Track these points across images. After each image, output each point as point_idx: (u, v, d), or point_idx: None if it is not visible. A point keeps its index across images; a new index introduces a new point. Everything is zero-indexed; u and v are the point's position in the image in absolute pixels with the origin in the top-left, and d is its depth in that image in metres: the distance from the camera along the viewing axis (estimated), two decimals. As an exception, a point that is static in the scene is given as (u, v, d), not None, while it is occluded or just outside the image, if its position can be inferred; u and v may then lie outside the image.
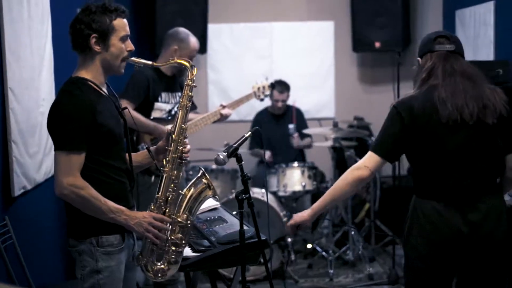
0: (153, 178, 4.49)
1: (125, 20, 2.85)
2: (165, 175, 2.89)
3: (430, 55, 2.99)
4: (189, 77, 2.96)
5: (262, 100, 5.41)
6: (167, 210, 2.87)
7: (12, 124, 3.56)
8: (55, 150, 2.73)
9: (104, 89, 2.87)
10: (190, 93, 2.95)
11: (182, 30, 4.74)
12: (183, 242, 2.88)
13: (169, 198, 2.88)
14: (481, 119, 2.85)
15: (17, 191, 3.63)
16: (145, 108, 4.57)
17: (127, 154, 2.95)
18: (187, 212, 2.90)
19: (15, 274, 3.47)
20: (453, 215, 2.86)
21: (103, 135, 2.76)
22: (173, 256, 2.86)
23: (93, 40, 2.76)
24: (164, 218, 2.83)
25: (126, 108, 2.99)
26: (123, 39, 2.83)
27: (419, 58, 3.05)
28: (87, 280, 2.78)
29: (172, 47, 4.65)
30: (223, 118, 4.92)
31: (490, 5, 5.40)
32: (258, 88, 5.27)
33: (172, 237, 2.85)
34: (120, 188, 2.88)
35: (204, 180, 2.97)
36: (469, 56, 5.84)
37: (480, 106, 2.86)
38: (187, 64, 2.99)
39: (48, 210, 4.19)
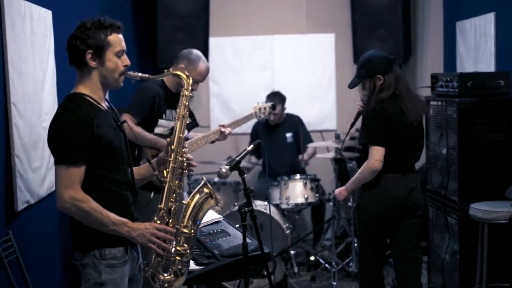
0: (152, 194, 4.49)
1: (120, 36, 2.87)
2: (166, 185, 2.89)
3: (392, 74, 4.12)
4: (185, 87, 2.98)
5: (261, 119, 5.43)
6: (170, 221, 2.87)
7: (15, 139, 3.57)
8: (55, 164, 2.73)
9: (103, 104, 2.89)
10: (186, 103, 2.97)
11: (196, 52, 4.72)
12: (188, 252, 2.88)
13: (172, 209, 2.88)
14: (419, 121, 4.18)
15: (21, 206, 3.64)
16: (149, 124, 4.57)
17: (129, 167, 2.96)
18: (190, 222, 2.89)
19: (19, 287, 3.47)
20: (406, 181, 4.14)
21: (103, 148, 2.77)
22: (180, 267, 2.86)
23: (88, 56, 2.79)
24: (167, 229, 2.82)
25: (125, 121, 3.01)
26: (118, 54, 2.85)
27: (380, 75, 4.11)
28: None
29: (180, 65, 4.66)
30: (222, 137, 4.93)
31: (491, 16, 5.41)
32: (259, 109, 5.28)
33: (177, 248, 2.85)
34: (122, 201, 2.88)
35: (206, 190, 2.97)
36: (470, 67, 5.85)
37: (419, 112, 4.17)
38: (182, 74, 3.00)
39: (52, 224, 4.19)
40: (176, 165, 2.92)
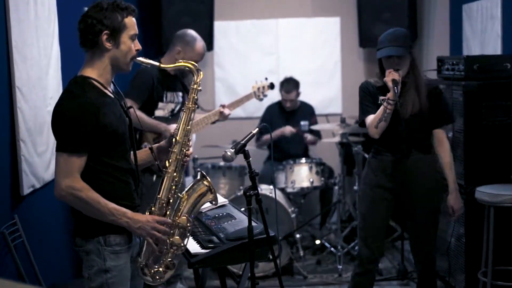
0: (154, 177, 4.49)
1: (134, 19, 2.84)
2: (167, 176, 2.87)
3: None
4: (195, 80, 2.96)
5: (261, 100, 5.41)
6: (167, 212, 2.86)
7: (20, 123, 3.57)
8: (56, 151, 2.70)
9: (110, 88, 2.86)
10: (195, 96, 2.95)
11: (190, 32, 4.72)
12: (183, 245, 2.87)
13: (171, 200, 2.87)
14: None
15: (26, 190, 3.65)
16: (149, 107, 4.57)
17: (131, 154, 2.94)
18: (186, 215, 2.88)
19: (25, 272, 3.48)
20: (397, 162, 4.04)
21: (108, 136, 2.73)
22: (170, 259, 2.85)
23: (104, 37, 2.74)
24: (166, 221, 2.81)
25: (131, 107, 2.98)
26: (132, 38, 2.82)
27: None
28: (95, 280, 2.77)
29: (177, 48, 4.66)
30: (222, 117, 4.92)
31: (497, -1, 5.38)
32: (258, 88, 5.28)
33: (171, 240, 2.84)
34: (126, 188, 2.86)
35: (205, 183, 2.96)
36: (476, 50, 5.82)
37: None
38: (192, 67, 2.98)
39: (57, 208, 4.21)
40: (180, 157, 2.90)
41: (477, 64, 4.57)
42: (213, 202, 3.03)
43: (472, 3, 5.97)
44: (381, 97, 3.91)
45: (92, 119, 2.67)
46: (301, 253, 5.80)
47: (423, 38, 7.16)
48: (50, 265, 3.99)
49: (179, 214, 2.87)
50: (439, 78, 4.99)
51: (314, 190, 6.20)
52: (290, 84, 6.45)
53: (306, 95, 6.82)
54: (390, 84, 3.81)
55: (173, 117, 4.70)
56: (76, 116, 2.66)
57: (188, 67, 2.98)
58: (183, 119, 2.94)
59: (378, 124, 3.88)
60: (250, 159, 3.20)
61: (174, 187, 2.88)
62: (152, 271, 2.83)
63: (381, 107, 3.88)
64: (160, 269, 2.83)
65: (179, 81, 4.79)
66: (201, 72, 3.00)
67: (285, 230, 5.48)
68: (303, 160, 6.00)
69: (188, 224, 2.87)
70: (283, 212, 5.45)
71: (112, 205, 2.71)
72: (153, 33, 6.72)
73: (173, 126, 4.62)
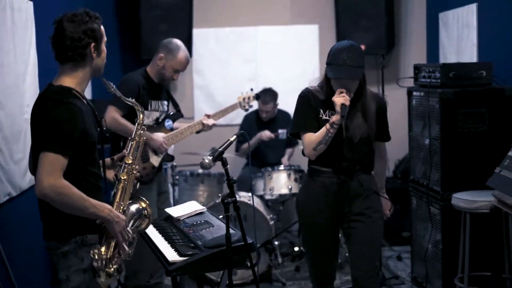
0: (138, 185, 4.48)
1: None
2: (122, 184, 2.97)
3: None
4: (139, 120, 3.15)
5: (246, 110, 5.43)
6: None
7: (-3, 131, 3.55)
8: (42, 151, 2.70)
9: (85, 98, 2.94)
10: (141, 131, 3.15)
11: (176, 41, 4.73)
12: (130, 253, 2.95)
13: (126, 209, 2.98)
14: None
15: (2, 198, 3.62)
16: (134, 115, 4.56)
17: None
18: (133, 227, 2.99)
19: (1, 281, 3.45)
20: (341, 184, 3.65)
21: (88, 143, 2.82)
22: (120, 264, 2.91)
23: (92, 48, 2.84)
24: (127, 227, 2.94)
25: (103, 117, 3.06)
26: (105, 44, 2.95)
27: None
28: (74, 279, 2.80)
29: (159, 55, 4.66)
30: (206, 128, 4.93)
31: (473, 8, 5.44)
32: (244, 99, 5.29)
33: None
34: (99, 193, 2.92)
35: (143, 204, 3.07)
36: (452, 58, 5.88)
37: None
38: (138, 108, 3.18)
39: (34, 216, 4.16)
40: (129, 178, 3.01)
41: (453, 72, 4.62)
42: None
43: (449, 11, 6.04)
44: (324, 117, 3.63)
45: (80, 124, 2.74)
46: (280, 260, 5.81)
47: (400, 46, 7.21)
48: (27, 273, 3.96)
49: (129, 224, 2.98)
50: (416, 85, 5.03)
51: (293, 197, 6.20)
52: (267, 96, 6.45)
53: (285, 102, 6.82)
54: (338, 108, 3.45)
55: (158, 125, 4.73)
56: (68, 119, 2.72)
57: (135, 105, 3.18)
58: (134, 147, 3.09)
59: (317, 147, 3.55)
60: (228, 166, 3.22)
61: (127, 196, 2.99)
62: (106, 272, 2.83)
63: (323, 129, 3.53)
64: (112, 270, 2.85)
65: (164, 90, 4.80)
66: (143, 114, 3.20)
67: (263, 237, 5.48)
68: (282, 167, 6.01)
69: (135, 236, 2.99)
70: (261, 219, 5.46)
71: (93, 200, 2.77)
72: (132, 40, 6.70)
73: (158, 135, 4.62)
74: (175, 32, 6.30)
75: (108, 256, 2.83)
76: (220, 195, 5.71)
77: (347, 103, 3.45)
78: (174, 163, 5.85)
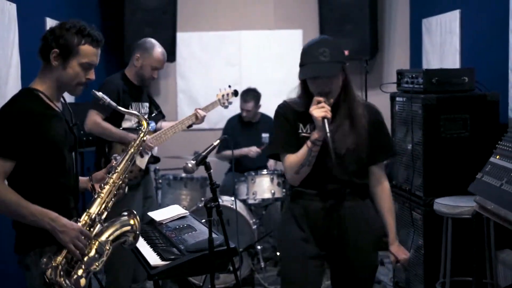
0: (126, 189, 4.46)
1: (96, 50, 2.82)
2: (100, 196, 2.85)
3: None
4: (143, 129, 3.15)
5: (226, 107, 5.42)
6: (92, 230, 2.79)
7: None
8: None
9: (57, 103, 2.85)
10: (144, 138, 3.14)
11: (150, 40, 4.73)
12: (97, 266, 2.75)
13: (96, 220, 2.81)
14: None
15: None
16: (116, 118, 4.55)
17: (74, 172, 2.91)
18: (110, 242, 2.81)
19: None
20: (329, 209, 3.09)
21: (49, 149, 2.72)
22: (82, 275, 2.70)
23: (53, 54, 2.75)
24: (89, 236, 2.74)
25: (77, 123, 2.98)
26: (84, 66, 2.80)
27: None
28: None
29: (136, 55, 4.66)
30: (199, 120, 4.94)
31: (456, 14, 5.48)
32: (223, 96, 5.29)
33: (87, 257, 2.74)
34: (64, 205, 2.81)
35: (131, 221, 2.89)
36: (435, 64, 5.92)
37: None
38: (140, 118, 3.18)
39: (5, 229, 4.12)
40: (114, 186, 2.92)
41: (436, 78, 4.64)
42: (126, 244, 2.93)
43: (432, 17, 6.08)
44: (304, 133, 3.10)
45: (29, 128, 2.66)
46: (262, 264, 5.81)
47: (383, 51, 7.25)
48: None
49: (103, 237, 2.80)
50: (399, 91, 5.05)
51: (276, 202, 6.21)
52: (248, 95, 6.47)
53: (268, 106, 6.82)
54: (319, 123, 2.88)
55: (140, 127, 4.69)
56: (12, 121, 2.65)
57: (137, 116, 3.20)
58: (127, 156, 3.02)
59: (300, 170, 2.99)
60: (211, 170, 3.21)
61: (104, 211, 2.84)
62: (60, 282, 2.66)
63: (304, 148, 2.98)
64: (67, 283, 2.67)
65: (145, 92, 4.79)
66: (146, 123, 3.17)
67: (246, 242, 5.48)
68: (265, 171, 6.02)
69: (107, 248, 2.78)
70: (244, 224, 5.45)
71: (34, 206, 2.65)
72: (115, 43, 6.68)
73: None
74: (159, 35, 6.28)
75: (60, 265, 2.66)
76: (203, 199, 5.71)
77: (328, 114, 2.87)
78: (157, 167, 5.84)
